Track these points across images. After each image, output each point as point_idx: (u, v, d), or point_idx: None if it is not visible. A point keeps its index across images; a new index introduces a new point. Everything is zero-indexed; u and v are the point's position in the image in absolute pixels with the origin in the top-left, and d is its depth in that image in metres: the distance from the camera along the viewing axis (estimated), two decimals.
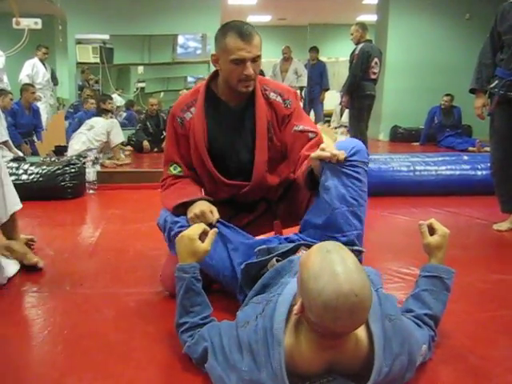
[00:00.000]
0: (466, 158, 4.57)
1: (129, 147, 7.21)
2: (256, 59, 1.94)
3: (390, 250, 2.89)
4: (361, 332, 1.29)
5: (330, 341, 1.25)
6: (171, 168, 2.13)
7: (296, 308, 1.24)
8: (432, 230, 1.72)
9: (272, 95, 2.08)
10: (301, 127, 2.07)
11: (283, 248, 1.82)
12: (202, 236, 1.63)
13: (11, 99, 6.18)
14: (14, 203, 2.43)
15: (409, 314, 1.61)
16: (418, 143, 8.34)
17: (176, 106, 2.12)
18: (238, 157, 2.12)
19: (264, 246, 1.86)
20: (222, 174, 2.10)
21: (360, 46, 5.52)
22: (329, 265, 1.18)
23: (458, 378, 1.55)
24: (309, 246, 1.75)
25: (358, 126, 5.71)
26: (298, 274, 1.26)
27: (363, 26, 5.64)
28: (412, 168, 4.35)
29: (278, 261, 1.74)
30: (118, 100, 9.07)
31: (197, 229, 1.63)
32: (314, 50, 8.89)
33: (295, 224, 2.12)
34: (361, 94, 5.53)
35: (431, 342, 1.60)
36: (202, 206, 1.94)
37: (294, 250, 1.81)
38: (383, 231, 3.44)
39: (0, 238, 2.36)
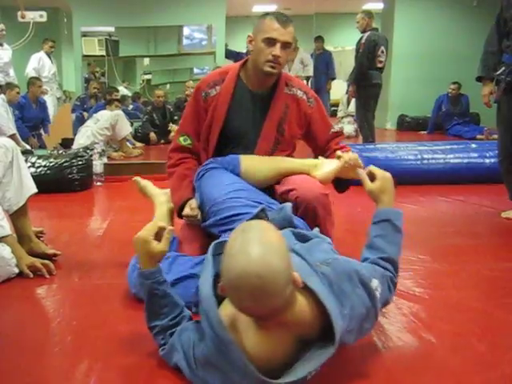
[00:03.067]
0: (473, 146, 4.54)
1: (139, 144, 6.79)
2: (287, 45, 2.05)
3: None
4: (299, 296, 1.26)
5: (262, 321, 1.23)
6: (181, 139, 2.25)
7: (219, 286, 1.22)
8: (372, 177, 1.66)
9: (299, 92, 2.22)
10: (336, 128, 2.33)
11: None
12: (161, 233, 1.51)
13: (18, 93, 6.19)
14: (30, 187, 2.47)
15: (364, 262, 1.56)
16: (425, 132, 8.31)
17: (203, 81, 2.23)
18: (247, 141, 2.19)
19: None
20: (227, 152, 2.17)
21: (366, 34, 5.49)
22: (242, 244, 1.15)
23: (466, 365, 1.55)
24: None
25: (365, 116, 5.70)
26: None
27: (369, 14, 5.60)
28: (419, 156, 4.33)
29: None
30: (124, 92, 9.08)
31: (150, 229, 1.50)
32: (320, 39, 8.85)
33: None
34: (367, 83, 5.51)
35: (390, 283, 1.53)
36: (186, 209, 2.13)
37: None
38: None
39: (22, 255, 2.30)
